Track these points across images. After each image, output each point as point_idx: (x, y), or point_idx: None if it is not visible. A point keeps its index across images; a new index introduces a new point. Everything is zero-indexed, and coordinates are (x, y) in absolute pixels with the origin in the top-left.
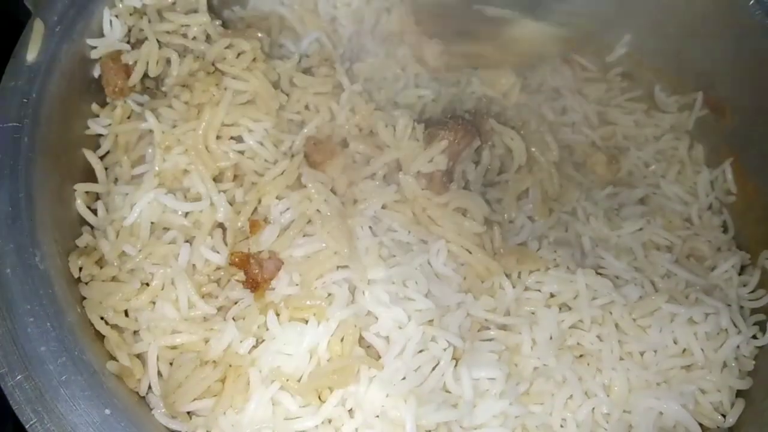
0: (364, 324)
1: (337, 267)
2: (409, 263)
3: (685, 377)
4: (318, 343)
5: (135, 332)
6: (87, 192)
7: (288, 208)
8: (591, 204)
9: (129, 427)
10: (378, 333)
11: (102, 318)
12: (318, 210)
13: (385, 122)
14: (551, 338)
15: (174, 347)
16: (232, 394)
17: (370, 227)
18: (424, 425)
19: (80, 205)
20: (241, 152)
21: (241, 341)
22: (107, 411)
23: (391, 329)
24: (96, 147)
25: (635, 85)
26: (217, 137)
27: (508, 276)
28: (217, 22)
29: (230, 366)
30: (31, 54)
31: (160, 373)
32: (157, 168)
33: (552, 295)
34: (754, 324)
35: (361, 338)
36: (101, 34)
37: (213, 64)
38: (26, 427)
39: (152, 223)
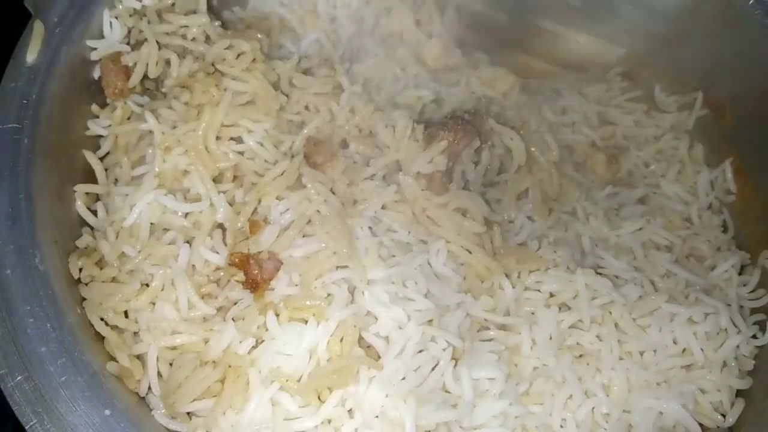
0: (364, 324)
1: (337, 267)
2: (409, 263)
3: (685, 377)
4: (317, 344)
5: (135, 333)
6: (87, 193)
7: (288, 209)
8: (591, 204)
9: (129, 428)
10: (377, 333)
11: (102, 319)
12: (318, 210)
13: (384, 123)
14: (551, 338)
15: (174, 348)
16: (231, 394)
17: (369, 227)
18: (424, 425)
19: (80, 206)
20: (241, 153)
21: (240, 342)
22: (107, 412)
23: (390, 329)
24: (96, 148)
25: (635, 85)
26: (217, 138)
27: (507, 276)
28: (217, 23)
29: (230, 366)
30: (31, 55)
31: (159, 374)
32: (157, 169)
33: (552, 295)
34: (754, 324)
35: (360, 338)
36: (101, 36)
37: (213, 65)
38: (26, 428)
39: (152, 223)
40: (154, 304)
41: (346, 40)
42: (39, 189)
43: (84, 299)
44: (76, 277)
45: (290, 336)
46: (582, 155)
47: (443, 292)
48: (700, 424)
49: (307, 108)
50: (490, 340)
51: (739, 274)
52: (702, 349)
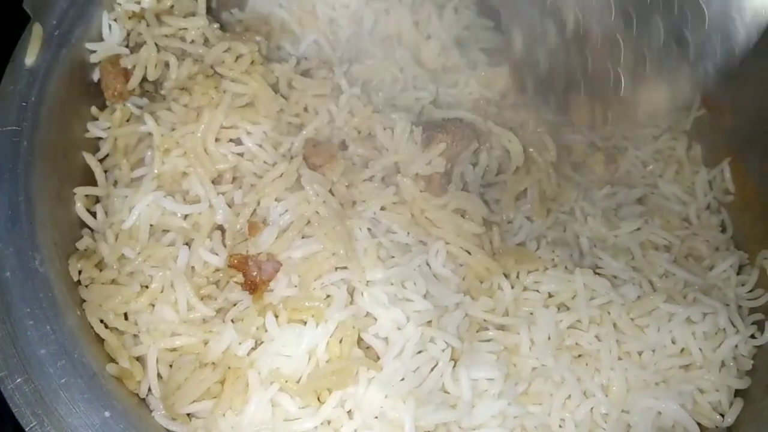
0: (363, 325)
1: (336, 268)
2: (408, 264)
3: (684, 377)
4: (317, 345)
5: (135, 335)
6: (86, 195)
7: (287, 210)
8: (589, 204)
9: (129, 430)
10: (377, 334)
11: (102, 321)
12: (317, 212)
13: (383, 125)
14: (549, 338)
15: (173, 349)
16: (231, 395)
17: (368, 229)
18: (423, 426)
19: (80, 208)
20: (240, 154)
21: (240, 343)
22: (107, 413)
23: (389, 330)
24: (95, 150)
25: None
26: (216, 140)
27: (506, 276)
28: (215, 25)
29: (229, 368)
30: (30, 58)
31: (159, 376)
32: (156, 171)
33: (550, 295)
34: (753, 323)
35: (359, 339)
36: (100, 38)
37: (212, 68)
38: (26, 430)
39: (151, 225)
40: (153, 305)
41: (345, 42)
42: (38, 191)
43: (84, 301)
44: (75, 279)
45: (289, 337)
46: (580, 155)
47: (442, 292)
48: (699, 424)
49: (306, 110)
50: (488, 340)
51: (738, 273)
52: (700, 349)
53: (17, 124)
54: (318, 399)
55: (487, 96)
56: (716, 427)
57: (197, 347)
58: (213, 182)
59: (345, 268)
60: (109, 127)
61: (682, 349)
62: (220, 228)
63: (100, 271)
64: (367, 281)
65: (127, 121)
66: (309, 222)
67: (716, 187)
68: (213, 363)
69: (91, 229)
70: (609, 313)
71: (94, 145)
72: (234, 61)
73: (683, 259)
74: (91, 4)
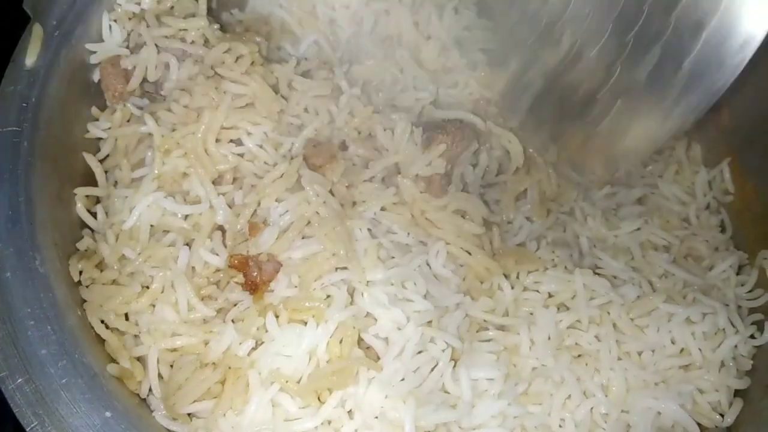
0: (363, 325)
1: (336, 269)
2: (408, 265)
3: (683, 377)
4: (317, 345)
5: (135, 336)
6: (87, 195)
7: (287, 211)
8: (589, 204)
9: (129, 430)
10: (377, 334)
11: (102, 321)
12: (317, 212)
13: (383, 125)
14: (549, 338)
15: (174, 350)
16: (231, 395)
17: (369, 229)
18: (423, 426)
19: (80, 208)
20: (241, 155)
21: (240, 343)
22: (108, 413)
23: (389, 330)
24: (95, 150)
25: None
26: (217, 140)
27: (506, 277)
28: (216, 26)
29: (230, 368)
30: (30, 58)
31: (160, 376)
32: (156, 171)
33: (550, 295)
34: (752, 324)
35: (360, 339)
36: (100, 39)
37: (212, 68)
38: (27, 430)
39: (152, 226)
40: (154, 306)
41: (345, 42)
42: (39, 192)
43: (84, 301)
44: (76, 279)
45: (290, 337)
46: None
47: (442, 293)
48: (699, 424)
49: (306, 110)
50: (489, 340)
51: (737, 274)
52: (700, 349)
53: (17, 125)
54: (318, 399)
55: (487, 96)
56: (716, 427)
57: (198, 347)
58: (213, 183)
59: (345, 268)
60: (109, 128)
61: (682, 350)
62: (221, 228)
63: (101, 271)
64: (368, 281)
65: (128, 121)
66: (309, 222)
67: (716, 187)
68: (213, 363)
69: (92, 230)
70: (609, 313)
71: (95, 145)
72: (234, 62)
73: (683, 259)
74: (91, 4)
